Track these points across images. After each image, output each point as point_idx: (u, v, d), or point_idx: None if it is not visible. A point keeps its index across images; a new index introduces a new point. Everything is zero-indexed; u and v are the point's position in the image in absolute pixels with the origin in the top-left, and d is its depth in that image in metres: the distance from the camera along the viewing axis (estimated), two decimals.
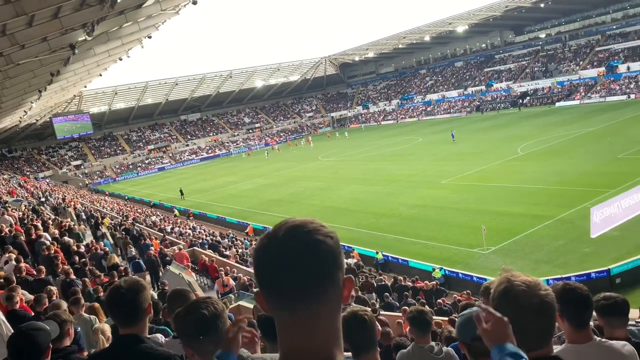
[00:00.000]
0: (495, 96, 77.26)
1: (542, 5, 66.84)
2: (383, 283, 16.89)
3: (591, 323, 2.77)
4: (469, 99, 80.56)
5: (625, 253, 16.87)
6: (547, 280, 12.77)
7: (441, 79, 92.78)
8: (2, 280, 7.25)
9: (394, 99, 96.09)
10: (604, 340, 2.59)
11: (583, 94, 64.49)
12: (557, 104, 64.90)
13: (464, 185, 31.26)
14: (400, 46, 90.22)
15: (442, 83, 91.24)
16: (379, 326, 3.47)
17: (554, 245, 19.35)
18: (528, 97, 71.58)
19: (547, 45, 78.86)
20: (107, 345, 3.91)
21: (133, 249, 17.57)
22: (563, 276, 14.58)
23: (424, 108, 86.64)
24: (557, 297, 1.71)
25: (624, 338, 2.83)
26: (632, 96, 57.76)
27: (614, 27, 70.69)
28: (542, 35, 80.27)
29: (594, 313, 3.26)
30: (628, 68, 63.07)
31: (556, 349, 1.79)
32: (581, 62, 70.94)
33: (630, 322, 3.90)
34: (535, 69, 76.97)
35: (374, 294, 15.55)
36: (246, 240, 27.61)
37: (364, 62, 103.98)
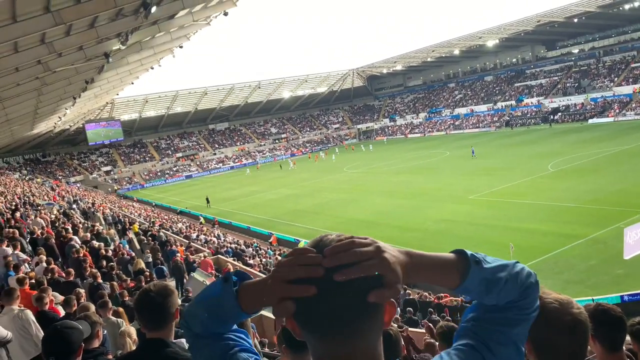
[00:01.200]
0: (526, 111, 76.07)
1: (575, 20, 65.76)
2: (409, 298, 16.68)
3: (624, 347, 2.68)
4: (499, 114, 79.52)
5: None
6: (579, 301, 12.41)
7: (470, 93, 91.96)
8: (33, 281, 7.45)
9: (422, 112, 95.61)
10: None
11: (617, 110, 62.93)
12: (590, 121, 63.47)
13: (492, 201, 30.74)
14: (429, 59, 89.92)
15: (471, 97, 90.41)
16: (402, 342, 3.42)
17: (585, 265, 18.81)
18: (560, 113, 70.24)
19: (580, 61, 77.41)
20: (133, 348, 3.95)
21: (151, 256, 17.79)
22: (594, 297, 14.13)
23: (452, 122, 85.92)
24: (589, 318, 1.66)
25: None
26: None
27: None
28: (575, 51, 78.89)
29: (628, 337, 3.15)
30: None
31: None
32: (616, 79, 69.34)
33: None
34: (568, 84, 75.57)
35: (398, 309, 15.35)
36: (270, 250, 27.71)
37: (392, 74, 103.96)
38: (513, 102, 79.32)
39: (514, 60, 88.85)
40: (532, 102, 76.45)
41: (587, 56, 76.87)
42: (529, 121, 72.51)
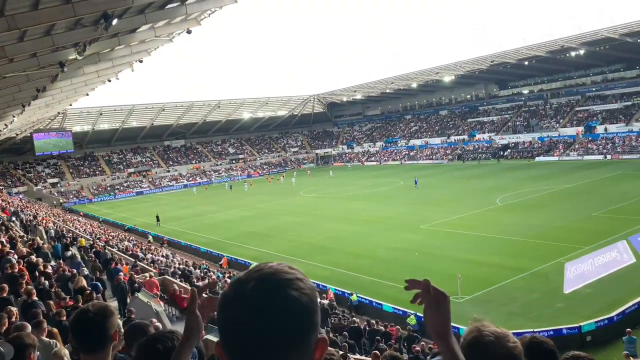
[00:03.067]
0: (477, 146, 79.02)
1: (526, 62, 69.42)
2: (355, 325, 16.66)
3: None
4: (452, 147, 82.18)
5: (597, 311, 17.00)
6: (518, 333, 12.77)
7: (425, 125, 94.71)
8: None
9: (379, 141, 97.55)
10: None
11: (562, 150, 66.36)
12: (537, 159, 66.62)
13: (442, 231, 31.46)
14: (387, 90, 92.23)
15: (426, 129, 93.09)
16: None
17: (527, 298, 19.43)
18: (509, 150, 73.34)
19: (530, 101, 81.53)
20: None
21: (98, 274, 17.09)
22: (535, 330, 14.56)
23: (407, 152, 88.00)
24: (524, 350, 1.72)
25: None
26: (609, 157, 59.64)
27: (594, 89, 73.60)
28: (525, 91, 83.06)
29: None
30: (605, 129, 65.31)
31: None
32: (561, 120, 73.29)
33: None
34: (517, 123, 79.21)
35: (344, 336, 15.29)
36: (219, 272, 27.14)
37: (351, 102, 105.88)
38: (466, 137, 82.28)
39: (468, 96, 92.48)
40: (483, 138, 79.57)
41: (536, 97, 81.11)
42: (480, 156, 75.29)
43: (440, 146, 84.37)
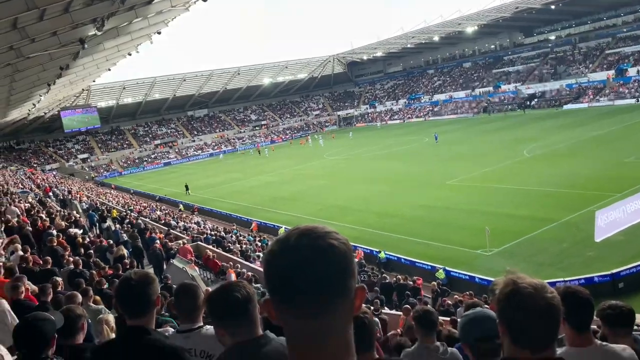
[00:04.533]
0: (503, 98, 76.97)
1: (552, 7, 66.44)
2: (386, 281, 16.91)
3: (593, 326, 2.79)
4: (477, 100, 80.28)
5: (629, 258, 16.80)
6: (549, 283, 12.78)
7: (449, 79, 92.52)
8: (6, 270, 7.33)
9: (401, 98, 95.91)
10: (604, 343, 2.61)
11: (591, 96, 64.13)
12: (565, 107, 64.58)
13: (469, 186, 31.19)
14: (408, 46, 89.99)
15: (449, 83, 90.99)
16: (379, 325, 3.50)
17: (557, 248, 19.30)
18: (536, 99, 71.26)
19: (557, 48, 78.46)
20: (111, 335, 3.95)
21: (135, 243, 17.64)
22: (566, 279, 14.54)
23: (431, 108, 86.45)
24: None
25: (629, 345, 2.84)
26: None
27: (625, 30, 70.27)
28: (552, 37, 79.86)
29: (600, 321, 3.26)
30: (638, 71, 62.64)
31: (557, 351, 1.81)
32: (590, 65, 70.52)
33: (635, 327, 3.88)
34: (544, 71, 76.58)
35: (375, 292, 15.56)
36: (249, 236, 27.70)
37: (372, 61, 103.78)
38: (491, 89, 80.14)
39: (492, 47, 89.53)
40: (509, 89, 77.36)
41: (563, 43, 77.94)
42: (506, 107, 73.43)
43: (465, 100, 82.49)
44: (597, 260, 17.34)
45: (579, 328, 2.53)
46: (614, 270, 15.82)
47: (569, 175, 29.08)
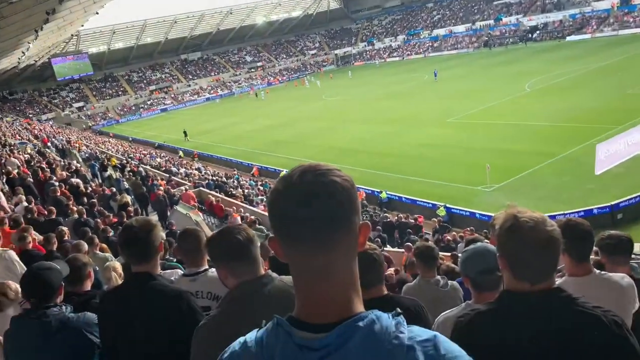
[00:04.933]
0: (504, 31, 74.82)
1: None
2: (387, 220, 17.17)
3: (592, 257, 2.84)
4: (477, 34, 78.13)
5: (628, 189, 16.93)
6: (550, 216, 12.96)
7: (449, 12, 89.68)
8: (12, 222, 7.42)
9: (400, 34, 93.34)
10: (603, 272, 2.67)
11: (595, 27, 62.32)
12: (568, 38, 62.86)
13: (469, 123, 30.98)
14: None
15: (449, 17, 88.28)
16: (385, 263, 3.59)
17: (558, 182, 19.42)
18: (538, 32, 69.32)
19: None
20: (119, 281, 4.04)
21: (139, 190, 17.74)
22: (566, 212, 14.74)
23: (430, 44, 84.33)
24: (561, 232, 1.73)
25: (627, 274, 2.91)
26: None
27: None
28: None
29: (599, 251, 3.33)
30: None
31: (556, 281, 1.84)
32: None
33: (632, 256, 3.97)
34: (547, 1, 74.04)
35: (377, 231, 15.83)
36: (251, 181, 27.86)
37: None
38: (492, 22, 77.77)
39: None
40: (510, 21, 75.06)
41: None
42: (507, 41, 71.57)
43: (465, 34, 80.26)
44: (597, 193, 17.47)
45: (579, 258, 2.58)
46: (613, 202, 16.00)
47: (570, 109, 28.78)
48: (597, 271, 2.63)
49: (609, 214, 15.81)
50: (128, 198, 14.54)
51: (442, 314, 2.58)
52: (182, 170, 29.91)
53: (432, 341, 1.00)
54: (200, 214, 16.87)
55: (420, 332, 1.02)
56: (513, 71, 46.72)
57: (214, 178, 26.68)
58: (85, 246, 5.68)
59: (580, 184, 18.81)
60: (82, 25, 51.15)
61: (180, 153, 40.57)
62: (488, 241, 6.20)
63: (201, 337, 1.92)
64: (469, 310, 1.84)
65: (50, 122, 65.05)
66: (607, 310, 1.65)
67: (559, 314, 1.61)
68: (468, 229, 14.76)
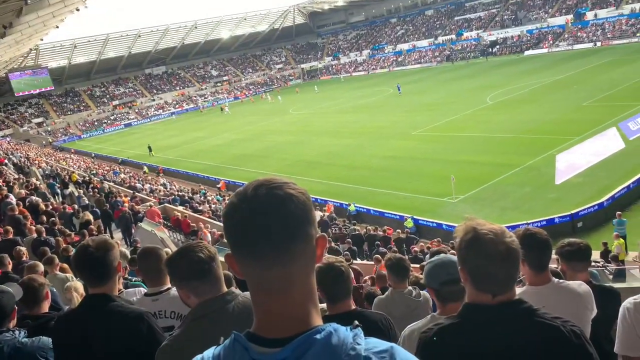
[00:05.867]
0: (466, 45, 77.02)
1: None
2: (356, 233, 17.22)
3: (552, 266, 2.90)
4: (440, 49, 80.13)
5: (587, 198, 17.56)
6: (512, 226, 13.25)
7: (412, 28, 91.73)
8: None
9: (365, 49, 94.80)
10: (561, 281, 2.73)
11: (551, 42, 64.89)
12: (526, 53, 65.25)
13: (434, 135, 31.59)
14: None
15: (412, 32, 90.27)
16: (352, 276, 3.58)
17: (520, 192, 19.95)
18: (498, 46, 71.61)
19: None
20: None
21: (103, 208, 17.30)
22: (528, 222, 15.12)
23: (395, 58, 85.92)
24: (519, 242, 1.75)
25: (585, 281, 2.98)
26: (599, 44, 58.42)
27: None
28: None
29: (558, 258, 3.40)
30: (595, 15, 63.48)
31: (517, 291, 1.87)
32: (550, 10, 70.99)
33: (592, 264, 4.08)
34: (505, 17, 76.75)
35: (346, 244, 15.84)
36: (218, 196, 27.53)
37: (333, 10, 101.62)
38: (453, 37, 79.97)
39: None
40: (471, 36, 77.40)
41: None
42: (469, 55, 73.64)
43: (428, 48, 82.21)
44: (558, 202, 18.04)
45: (538, 268, 2.62)
46: (573, 211, 16.53)
47: (530, 120, 29.74)
48: (556, 280, 2.68)
49: (569, 223, 16.31)
50: (90, 216, 14.11)
51: (408, 326, 2.58)
52: (147, 186, 29.32)
53: (389, 352, 1.00)
54: (166, 230, 16.55)
55: (377, 344, 1.02)
56: (475, 84, 48.03)
57: (180, 193, 26.26)
58: (42, 267, 5.45)
59: (541, 194, 19.38)
60: (42, 39, 49.84)
61: (145, 169, 39.79)
62: (454, 252, 6.27)
63: (163, 358, 1.86)
64: (433, 324, 1.84)
65: (8, 139, 62.85)
66: (566, 320, 1.67)
67: (520, 326, 1.63)
68: (435, 240, 14.95)
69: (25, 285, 3.01)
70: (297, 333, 1.00)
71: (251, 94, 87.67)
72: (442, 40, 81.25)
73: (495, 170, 22.56)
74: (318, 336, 0.99)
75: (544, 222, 15.77)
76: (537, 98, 35.83)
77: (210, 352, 1.09)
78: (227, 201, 1.10)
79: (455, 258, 2.56)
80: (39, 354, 2.57)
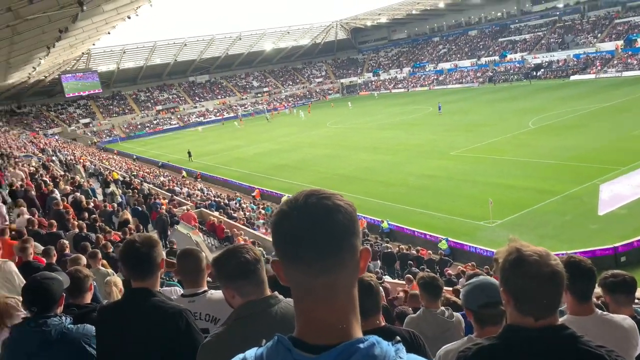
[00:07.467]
0: (509, 67, 75.80)
1: None
2: (388, 251, 17.06)
3: (594, 299, 2.81)
4: (482, 70, 79.16)
5: (632, 231, 16.84)
6: None
7: (454, 47, 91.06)
8: (14, 232, 7.41)
9: (406, 66, 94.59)
10: (605, 313, 2.64)
11: (599, 67, 63.13)
12: (572, 77, 63.61)
13: (473, 157, 31.09)
14: (413, 12, 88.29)
15: (455, 52, 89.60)
16: (383, 292, 3.56)
17: (560, 220, 19.34)
18: (542, 70, 70.19)
19: (565, 16, 76.83)
20: (119, 297, 4.02)
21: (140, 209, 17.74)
22: (568, 252, 14.63)
23: (435, 77, 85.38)
24: None
25: (630, 315, 2.87)
26: None
27: None
28: (560, 5, 78.11)
29: (601, 289, 3.29)
30: None
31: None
32: (599, 35, 69.19)
33: (635, 301, 3.93)
34: (552, 40, 75.22)
35: (378, 261, 15.72)
36: (252, 204, 27.83)
37: (376, 27, 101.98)
38: (497, 58, 78.89)
39: (499, 14, 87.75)
40: (515, 58, 76.13)
41: (572, 11, 76.25)
42: (512, 77, 72.43)
43: (470, 69, 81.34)
44: (600, 233, 17.38)
45: (581, 297, 2.55)
46: (617, 244, 15.89)
47: (574, 147, 28.91)
48: (599, 311, 2.60)
49: (612, 256, 15.67)
50: (129, 215, 14.52)
51: (444, 346, 2.55)
52: (185, 190, 29.94)
53: None
54: (201, 234, 16.82)
55: None
56: (517, 107, 47.12)
57: (217, 199, 26.68)
58: (84, 260, 5.65)
59: (582, 224, 18.72)
60: (94, 44, 51.97)
61: (184, 173, 40.69)
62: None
63: (205, 354, 1.91)
64: (472, 344, 1.82)
65: (56, 137, 65.49)
66: (611, 350, 1.63)
67: (562, 351, 1.60)
68: (469, 264, 14.65)
69: (72, 276, 3.14)
70: (340, 342, 1.02)
71: (290, 105, 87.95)
72: (485, 61, 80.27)
73: (535, 196, 21.97)
74: (361, 345, 1.00)
75: (585, 254, 15.21)
76: (583, 124, 34.83)
77: (252, 352, 1.11)
78: (276, 208, 1.13)
79: (495, 281, 2.53)
80: (83, 340, 2.67)
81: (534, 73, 70.09)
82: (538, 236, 18.14)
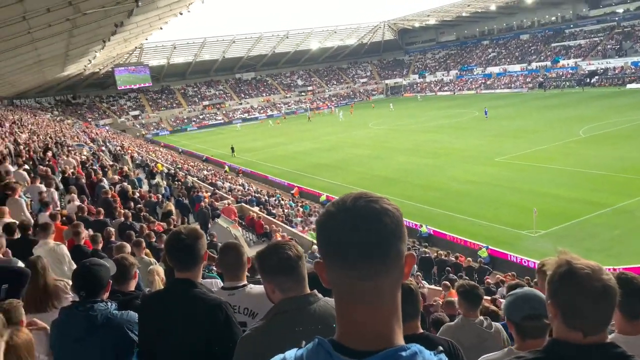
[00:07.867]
0: (561, 73, 73.26)
1: None
2: (426, 256, 16.84)
3: None
4: (532, 75, 76.84)
5: None
6: None
7: (504, 51, 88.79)
8: (64, 218, 7.74)
9: (453, 69, 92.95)
10: None
11: None
12: (629, 86, 60.83)
13: (518, 164, 30.24)
14: (463, 14, 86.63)
15: (504, 56, 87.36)
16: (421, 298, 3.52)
17: (608, 234, 18.58)
18: (597, 77, 67.45)
19: (624, 22, 73.49)
20: (161, 286, 4.12)
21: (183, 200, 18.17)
22: (616, 267, 14.04)
23: (483, 81, 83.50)
24: None
25: None
26: None
27: None
28: (620, 10, 74.77)
29: None
30: None
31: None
32: None
33: None
34: (609, 46, 72.17)
35: (415, 266, 15.53)
36: (291, 202, 28.04)
37: (424, 28, 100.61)
38: (548, 63, 76.37)
39: (553, 18, 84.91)
40: (568, 64, 73.47)
41: (632, 16, 72.78)
42: (564, 84, 69.97)
43: (520, 74, 79.10)
44: None
45: (631, 316, 2.44)
46: None
47: (627, 158, 27.66)
48: None
49: None
50: (172, 206, 14.91)
51: (483, 357, 2.49)
52: (227, 184, 30.49)
53: None
54: (240, 228, 17.08)
55: None
56: (568, 115, 45.52)
57: (257, 195, 27.04)
58: (129, 248, 5.85)
59: (633, 239, 17.91)
60: (146, 39, 53.66)
61: (226, 168, 41.44)
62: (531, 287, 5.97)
63: (244, 347, 1.94)
64: (514, 357, 1.77)
65: (107, 127, 67.97)
66: None
67: None
68: (509, 273, 14.28)
69: (118, 263, 3.26)
70: (382, 348, 1.01)
71: (333, 105, 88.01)
72: (536, 67, 77.88)
73: (582, 207, 21.17)
74: (404, 353, 0.99)
75: (635, 270, 14.53)
76: (637, 135, 33.27)
77: (292, 353, 1.11)
78: (323, 209, 1.12)
79: (539, 292, 2.45)
80: (126, 327, 2.78)
81: (588, 80, 67.46)
82: (584, 249, 17.44)
